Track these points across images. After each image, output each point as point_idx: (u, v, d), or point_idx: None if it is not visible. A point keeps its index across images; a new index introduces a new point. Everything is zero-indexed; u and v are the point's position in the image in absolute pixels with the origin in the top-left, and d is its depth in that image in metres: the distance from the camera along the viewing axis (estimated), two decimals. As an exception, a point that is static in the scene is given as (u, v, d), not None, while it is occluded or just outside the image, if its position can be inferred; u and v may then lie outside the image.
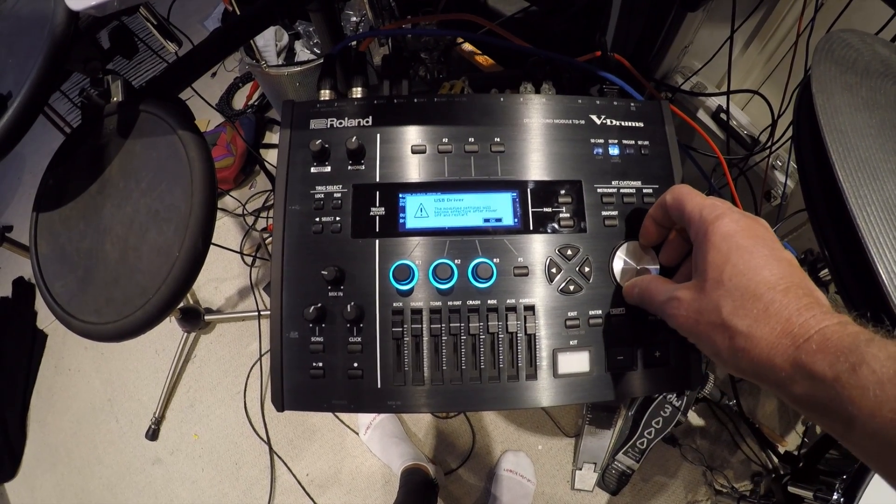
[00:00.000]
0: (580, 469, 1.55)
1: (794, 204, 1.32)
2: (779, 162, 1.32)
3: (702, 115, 1.36)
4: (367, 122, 0.61)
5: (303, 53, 1.87)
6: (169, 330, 1.89)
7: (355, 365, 0.55)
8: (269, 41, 1.82)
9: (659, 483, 1.58)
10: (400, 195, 0.58)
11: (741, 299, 0.39)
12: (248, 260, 2.01)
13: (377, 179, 0.59)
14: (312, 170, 0.60)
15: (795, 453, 1.44)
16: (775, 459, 1.50)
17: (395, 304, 0.56)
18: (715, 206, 0.44)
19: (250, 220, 2.09)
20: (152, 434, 1.78)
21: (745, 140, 1.33)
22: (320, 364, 0.56)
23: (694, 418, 1.64)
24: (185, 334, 1.88)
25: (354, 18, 1.74)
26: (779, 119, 1.13)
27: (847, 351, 0.33)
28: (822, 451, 1.31)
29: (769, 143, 1.16)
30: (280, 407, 0.56)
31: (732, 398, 1.47)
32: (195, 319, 1.83)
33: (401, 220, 0.58)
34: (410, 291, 0.56)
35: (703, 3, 1.02)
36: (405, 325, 0.56)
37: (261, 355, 1.83)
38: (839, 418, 0.33)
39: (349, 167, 0.59)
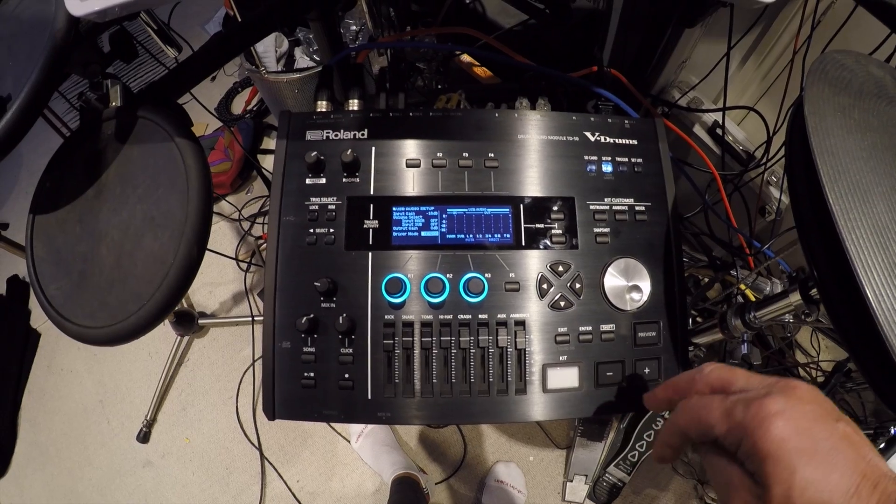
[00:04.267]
0: (571, 481, 1.55)
1: (789, 220, 1.32)
2: (774, 178, 1.33)
3: (698, 130, 1.37)
4: (363, 134, 0.61)
5: (302, 60, 1.88)
6: (162, 333, 1.88)
7: (346, 376, 0.56)
8: (268, 47, 1.82)
9: (650, 496, 1.58)
10: (394, 208, 0.59)
11: None
12: (244, 265, 2.00)
13: (371, 192, 0.60)
14: (307, 181, 0.60)
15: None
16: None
17: (386, 317, 0.56)
18: (748, 406, 0.37)
19: (246, 225, 2.09)
20: (143, 437, 1.78)
21: (740, 156, 1.34)
22: (311, 374, 0.56)
23: (686, 431, 1.64)
24: (179, 338, 1.87)
25: (354, 27, 1.74)
26: (774, 136, 1.14)
27: None
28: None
29: (764, 160, 1.16)
30: (271, 416, 0.57)
31: (724, 412, 1.47)
32: (189, 323, 1.83)
33: (394, 234, 0.58)
34: (402, 304, 0.56)
35: (700, 19, 1.03)
36: (396, 338, 0.56)
37: (254, 361, 1.82)
38: None
39: (344, 179, 0.60)
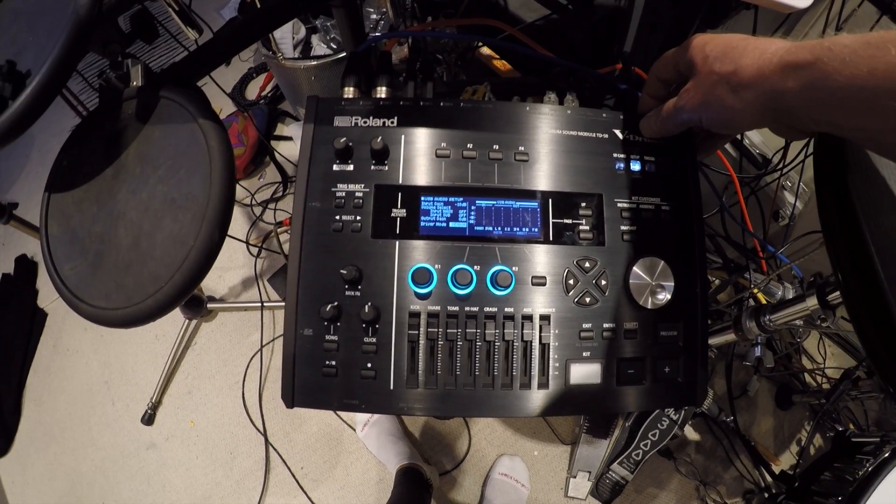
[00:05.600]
0: (574, 477, 1.55)
1: (802, 225, 1.32)
2: (789, 183, 1.33)
3: (716, 131, 1.36)
4: (393, 122, 0.60)
5: (319, 48, 1.87)
6: (170, 316, 1.85)
7: (368, 366, 0.55)
8: (286, 33, 1.81)
9: (652, 495, 1.58)
10: (422, 198, 0.58)
11: (723, 55, 0.48)
12: (254, 250, 2.00)
13: (400, 181, 0.59)
14: (335, 167, 0.59)
15: (791, 473, 1.44)
16: (768, 478, 1.50)
17: (412, 307, 0.56)
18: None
19: (258, 210, 2.09)
20: (148, 419, 1.78)
21: (757, 160, 1.33)
22: (333, 363, 0.56)
23: (690, 432, 1.64)
24: (187, 321, 1.87)
25: (374, 16, 1.73)
26: (792, 141, 1.13)
27: (817, 43, 0.41)
28: (817, 472, 1.32)
29: (781, 165, 1.16)
30: (290, 403, 0.56)
31: (730, 415, 1.47)
32: (197, 307, 1.83)
33: (422, 223, 0.58)
34: (428, 295, 0.56)
35: (724, 21, 1.02)
36: (421, 329, 0.56)
37: (261, 346, 1.82)
38: (826, 92, 0.41)
39: (372, 167, 0.59)
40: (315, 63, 1.66)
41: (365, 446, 1.65)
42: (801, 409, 1.71)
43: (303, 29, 1.85)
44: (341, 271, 0.55)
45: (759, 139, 1.37)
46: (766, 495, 1.47)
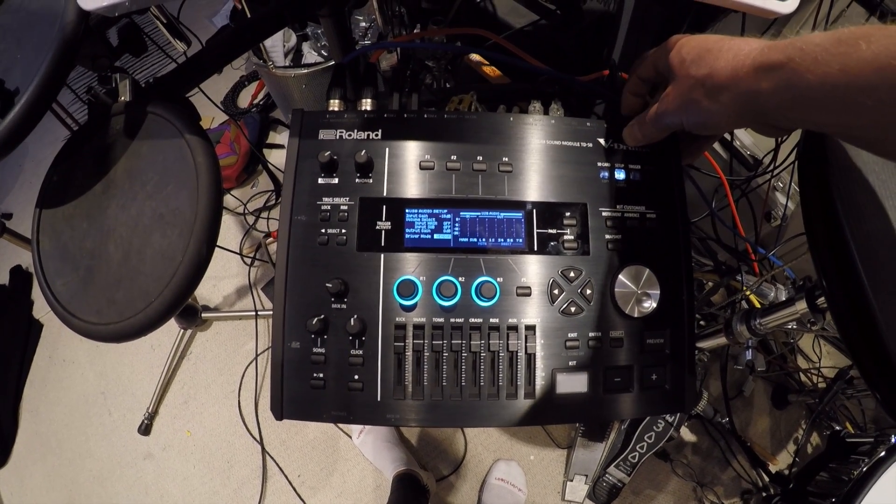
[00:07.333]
0: (571, 480, 1.55)
1: (794, 226, 1.32)
2: (780, 184, 1.33)
3: (706, 134, 1.36)
4: (377, 135, 0.61)
5: (310, 55, 1.87)
6: (165, 326, 1.85)
7: (356, 378, 0.56)
8: (276, 42, 1.82)
9: (649, 497, 1.58)
10: (406, 210, 0.59)
11: (699, 58, 0.49)
12: (247, 260, 2.00)
13: (384, 194, 0.59)
14: (320, 181, 0.60)
15: (786, 473, 1.44)
16: (765, 478, 1.50)
17: (397, 319, 0.56)
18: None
19: (251, 219, 2.09)
20: (145, 429, 1.78)
21: (748, 161, 1.33)
22: (321, 375, 0.56)
23: (686, 434, 1.65)
24: (182, 331, 1.87)
25: (363, 24, 1.74)
26: (783, 142, 1.13)
27: (789, 43, 0.42)
28: (812, 472, 1.32)
29: (772, 166, 1.16)
30: (279, 416, 0.57)
31: (725, 416, 1.47)
32: (192, 316, 1.83)
33: (406, 236, 0.58)
34: (413, 307, 0.56)
35: (711, 24, 1.02)
36: (407, 341, 0.56)
37: (256, 355, 1.82)
38: (799, 91, 0.41)
39: (357, 180, 0.60)
40: (305, 71, 1.66)
41: (361, 453, 1.64)
42: (797, 409, 1.71)
43: (293, 37, 1.86)
44: (327, 285, 0.55)
45: (750, 140, 1.38)
46: (764, 495, 1.47)
